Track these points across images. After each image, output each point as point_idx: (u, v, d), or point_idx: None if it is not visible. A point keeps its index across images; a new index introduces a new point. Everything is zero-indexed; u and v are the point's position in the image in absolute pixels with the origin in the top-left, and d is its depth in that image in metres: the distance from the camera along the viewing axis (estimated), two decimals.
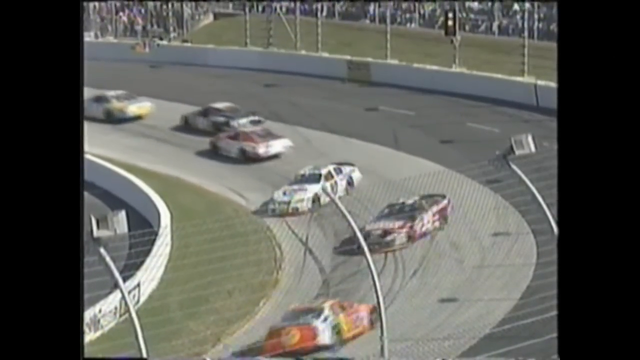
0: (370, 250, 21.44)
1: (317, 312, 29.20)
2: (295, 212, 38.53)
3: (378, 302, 21.10)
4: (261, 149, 43.60)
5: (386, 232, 35.05)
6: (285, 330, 28.64)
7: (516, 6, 54.48)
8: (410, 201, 36.29)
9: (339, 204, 21.69)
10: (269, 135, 44.49)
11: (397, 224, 35.35)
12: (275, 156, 43.57)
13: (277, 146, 43.89)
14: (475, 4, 56.39)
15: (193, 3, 62.44)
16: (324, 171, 39.97)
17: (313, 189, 38.71)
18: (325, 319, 29.05)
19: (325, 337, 28.76)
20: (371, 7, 58.63)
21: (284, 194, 39.45)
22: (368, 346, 26.95)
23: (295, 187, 39.44)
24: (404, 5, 57.87)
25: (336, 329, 28.99)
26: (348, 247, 32.60)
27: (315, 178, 39.56)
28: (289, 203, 38.91)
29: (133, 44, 60.01)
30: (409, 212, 35.89)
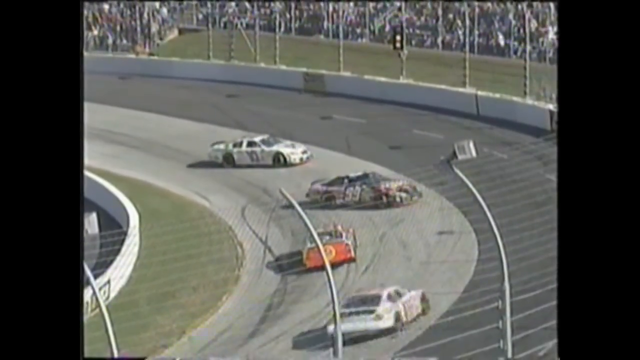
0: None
1: (339, 234, 33.38)
2: (301, 162, 42.00)
3: (332, 297, 21.07)
4: None
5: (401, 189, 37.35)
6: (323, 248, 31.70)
7: (458, 22, 54.71)
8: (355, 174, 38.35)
9: (296, 205, 21.68)
10: None
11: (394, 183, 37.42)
12: None
13: None
14: (422, 20, 56.54)
15: (160, 19, 62.16)
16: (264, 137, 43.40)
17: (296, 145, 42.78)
18: (347, 237, 33.28)
19: (353, 251, 33.05)
20: (325, 24, 58.67)
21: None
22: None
23: (289, 143, 42.98)
24: (355, 21, 57.95)
25: (356, 247, 33.56)
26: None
27: (274, 141, 42.82)
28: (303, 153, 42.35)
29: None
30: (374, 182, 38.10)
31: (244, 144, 42.47)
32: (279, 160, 41.81)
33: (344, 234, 33.65)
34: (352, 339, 27.11)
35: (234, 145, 42.62)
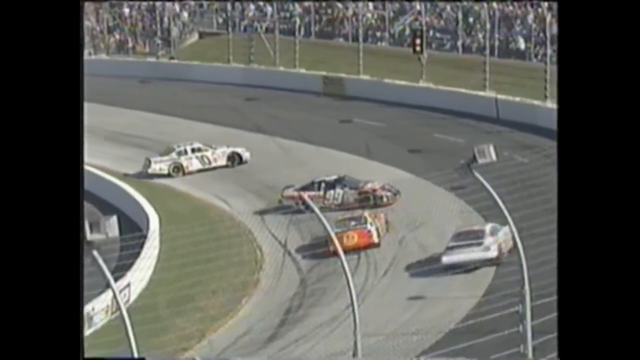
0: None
1: (364, 219, 34.84)
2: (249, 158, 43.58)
3: (351, 300, 21.05)
4: None
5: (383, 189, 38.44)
6: (345, 234, 33.73)
7: (478, 26, 54.64)
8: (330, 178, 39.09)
9: (315, 208, 21.71)
10: None
11: (377, 184, 38.50)
12: None
13: None
14: (442, 23, 56.51)
15: (180, 23, 62.31)
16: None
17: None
18: (371, 224, 34.73)
19: (375, 237, 34.46)
20: (345, 27, 58.68)
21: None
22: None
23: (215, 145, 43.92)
24: (375, 25, 57.95)
25: (377, 231, 34.78)
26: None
27: (207, 145, 44.17)
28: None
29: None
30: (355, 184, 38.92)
31: (189, 151, 43.65)
32: (234, 160, 43.42)
33: (369, 220, 34.86)
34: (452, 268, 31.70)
35: (179, 154, 43.68)
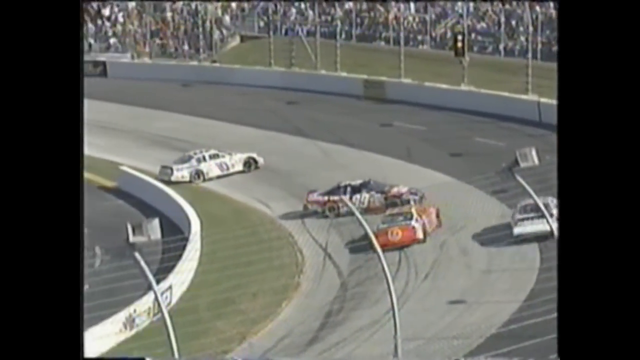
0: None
1: (410, 215, 35.14)
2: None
3: (392, 304, 21.07)
4: None
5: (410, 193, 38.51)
6: (390, 230, 34.32)
7: (521, 29, 54.38)
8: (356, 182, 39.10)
9: (354, 208, 21.73)
10: None
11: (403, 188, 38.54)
12: None
13: None
14: (483, 26, 56.29)
15: (222, 27, 62.54)
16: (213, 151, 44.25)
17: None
18: (417, 221, 34.96)
19: (420, 233, 34.70)
20: (386, 30, 58.64)
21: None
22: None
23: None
24: (416, 28, 57.85)
25: (423, 228, 34.92)
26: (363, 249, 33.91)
27: (221, 151, 44.23)
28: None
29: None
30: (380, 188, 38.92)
31: (207, 157, 44.16)
32: (250, 165, 43.96)
33: (415, 216, 35.00)
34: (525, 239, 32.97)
35: (198, 161, 44.16)
